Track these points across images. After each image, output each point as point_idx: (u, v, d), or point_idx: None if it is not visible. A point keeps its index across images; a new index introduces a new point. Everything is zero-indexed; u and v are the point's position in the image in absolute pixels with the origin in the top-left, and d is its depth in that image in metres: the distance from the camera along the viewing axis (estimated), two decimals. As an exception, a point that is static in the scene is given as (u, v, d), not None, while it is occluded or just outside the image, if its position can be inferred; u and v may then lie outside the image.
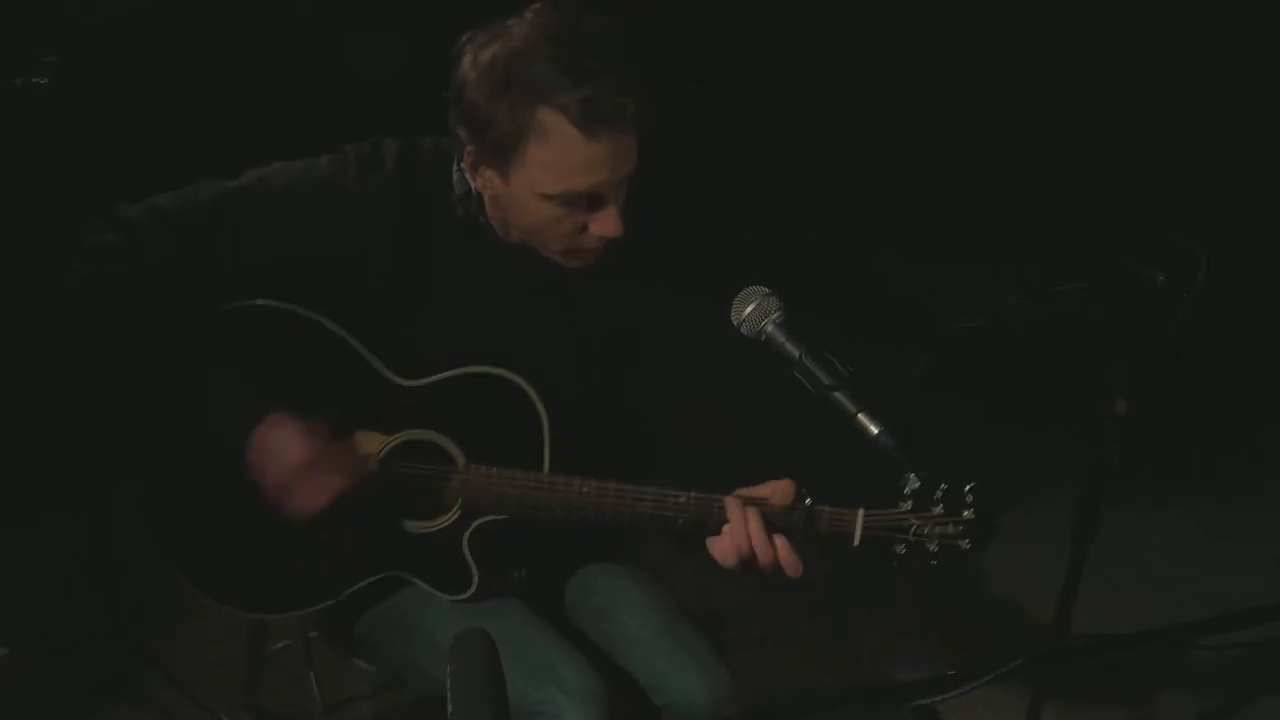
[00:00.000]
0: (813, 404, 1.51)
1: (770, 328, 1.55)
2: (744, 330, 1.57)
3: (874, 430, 1.47)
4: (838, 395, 1.49)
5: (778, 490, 1.62)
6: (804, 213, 5.08)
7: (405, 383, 1.72)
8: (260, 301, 1.72)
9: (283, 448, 1.63)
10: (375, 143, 1.75)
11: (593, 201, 1.62)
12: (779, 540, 1.61)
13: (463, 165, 1.71)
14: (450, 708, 1.16)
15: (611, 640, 1.85)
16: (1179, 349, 1.98)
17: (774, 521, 1.61)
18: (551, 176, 1.59)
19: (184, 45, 3.61)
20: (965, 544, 1.60)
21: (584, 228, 1.64)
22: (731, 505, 1.62)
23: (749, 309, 1.56)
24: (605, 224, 1.63)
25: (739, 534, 1.60)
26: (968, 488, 1.60)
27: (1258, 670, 2.84)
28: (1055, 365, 4.20)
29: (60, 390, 2.73)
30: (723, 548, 1.62)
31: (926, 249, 5.14)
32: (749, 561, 1.62)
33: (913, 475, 1.59)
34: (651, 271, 1.81)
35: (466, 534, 1.71)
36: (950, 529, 1.59)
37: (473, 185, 1.72)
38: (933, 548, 1.60)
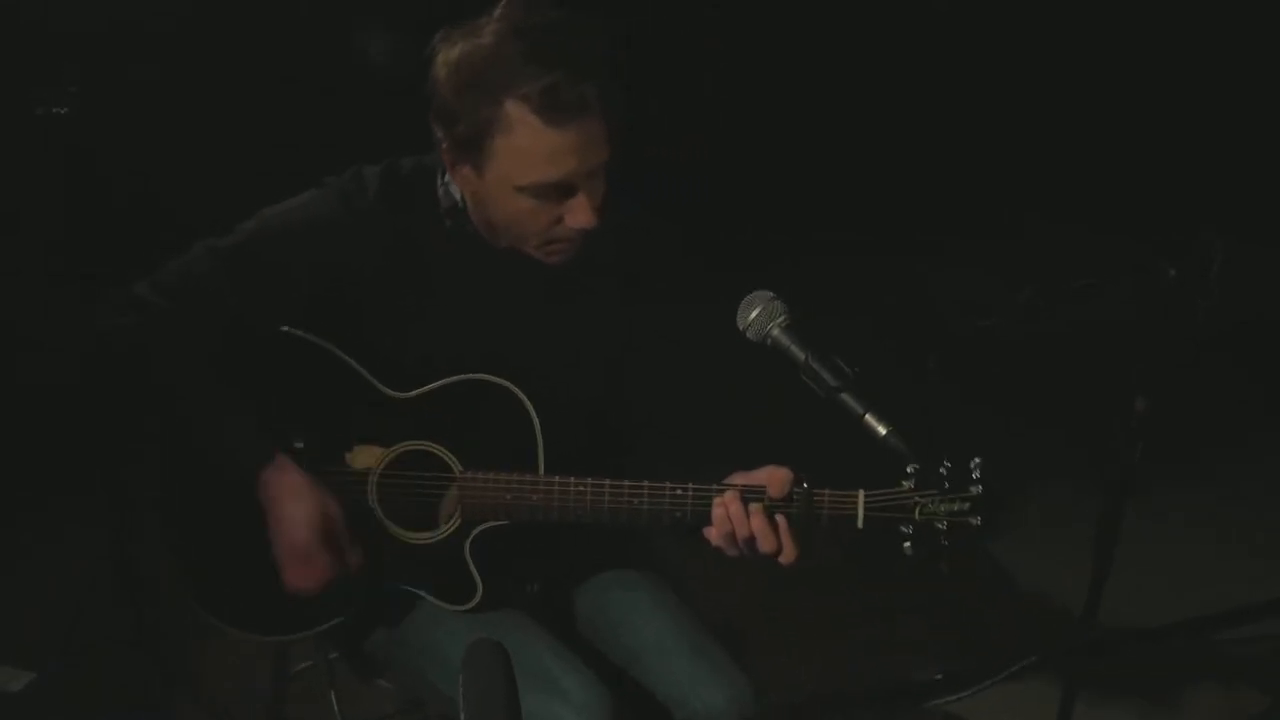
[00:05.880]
0: (820, 404, 1.50)
1: (776, 331, 1.55)
2: (749, 335, 1.57)
3: (882, 431, 1.48)
4: (845, 397, 1.49)
5: (774, 477, 1.60)
6: (810, 215, 5.07)
7: (398, 395, 1.74)
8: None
9: (292, 527, 1.65)
10: (355, 171, 1.77)
11: (565, 191, 1.63)
12: (779, 523, 1.59)
13: (447, 179, 1.74)
14: (463, 718, 1.16)
15: (629, 653, 1.84)
16: (1200, 345, 1.96)
17: (773, 509, 1.59)
18: (520, 168, 1.60)
19: (203, 73, 3.64)
20: (975, 520, 1.56)
21: (559, 219, 1.65)
22: (729, 496, 1.60)
23: (754, 314, 1.56)
24: (578, 214, 1.64)
25: (738, 521, 1.59)
26: (973, 463, 1.57)
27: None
28: (1071, 363, 4.18)
29: (85, 407, 2.75)
30: (717, 532, 1.61)
31: (940, 249, 5.12)
32: (747, 546, 1.60)
33: (914, 465, 1.56)
34: (642, 267, 1.81)
35: (467, 542, 1.72)
36: (957, 506, 1.56)
37: (457, 196, 1.74)
38: (941, 525, 1.56)
